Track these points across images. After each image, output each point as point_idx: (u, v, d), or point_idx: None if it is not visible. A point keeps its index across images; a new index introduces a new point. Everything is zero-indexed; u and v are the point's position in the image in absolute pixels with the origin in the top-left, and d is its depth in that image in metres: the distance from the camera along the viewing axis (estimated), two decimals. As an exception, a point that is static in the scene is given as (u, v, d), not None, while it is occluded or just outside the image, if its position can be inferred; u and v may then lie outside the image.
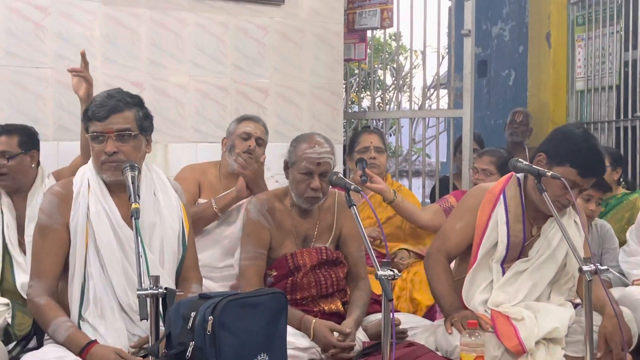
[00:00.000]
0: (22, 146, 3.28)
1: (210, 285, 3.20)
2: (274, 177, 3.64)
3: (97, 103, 2.51)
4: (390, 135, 8.30)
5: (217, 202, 3.33)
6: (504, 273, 2.85)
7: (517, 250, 2.87)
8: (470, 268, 2.87)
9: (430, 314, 3.43)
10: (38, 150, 3.38)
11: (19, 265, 3.18)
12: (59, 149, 3.74)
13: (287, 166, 3.00)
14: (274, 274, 2.94)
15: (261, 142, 3.51)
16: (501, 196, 2.88)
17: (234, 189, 3.35)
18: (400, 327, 2.88)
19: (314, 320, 2.77)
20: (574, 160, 2.74)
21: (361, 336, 2.86)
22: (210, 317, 2.16)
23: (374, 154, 3.84)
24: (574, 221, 2.90)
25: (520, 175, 2.92)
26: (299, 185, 2.93)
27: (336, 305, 2.94)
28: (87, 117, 2.52)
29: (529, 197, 2.87)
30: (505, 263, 2.86)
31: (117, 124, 2.49)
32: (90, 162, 2.59)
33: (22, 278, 3.11)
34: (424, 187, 5.21)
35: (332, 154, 2.95)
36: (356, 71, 5.60)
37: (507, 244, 2.84)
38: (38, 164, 3.37)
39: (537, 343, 2.68)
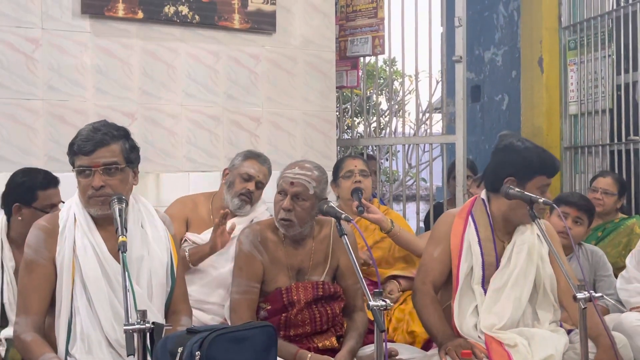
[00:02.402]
0: None
1: (203, 317, 3.16)
2: (269, 211, 3.60)
3: (83, 137, 2.48)
4: (386, 160, 8.31)
5: (192, 255, 3.29)
6: (486, 293, 2.87)
7: (493, 269, 2.90)
8: (454, 293, 2.88)
9: (427, 347, 3.39)
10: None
11: (10, 323, 3.10)
12: (49, 180, 3.70)
13: None
14: (268, 307, 2.89)
15: (260, 186, 3.49)
16: (469, 218, 2.95)
17: (207, 244, 3.31)
18: (397, 357, 2.85)
19: (309, 355, 2.73)
20: (541, 169, 2.87)
21: (354, 368, 2.83)
22: (198, 353, 2.13)
23: (358, 177, 3.81)
24: (537, 234, 2.93)
25: (484, 195, 2.99)
26: (275, 206, 2.90)
27: (330, 341, 2.89)
28: (73, 151, 2.49)
29: (495, 216, 2.94)
30: (486, 284, 2.88)
31: (104, 158, 2.46)
32: (76, 195, 2.56)
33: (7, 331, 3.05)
34: (418, 212, 5.19)
35: (313, 179, 2.88)
36: (351, 97, 5.60)
37: (482, 263, 2.88)
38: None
39: (532, 371, 2.67)
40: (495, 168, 2.96)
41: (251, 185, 3.42)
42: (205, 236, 3.39)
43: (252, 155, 3.52)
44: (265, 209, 3.60)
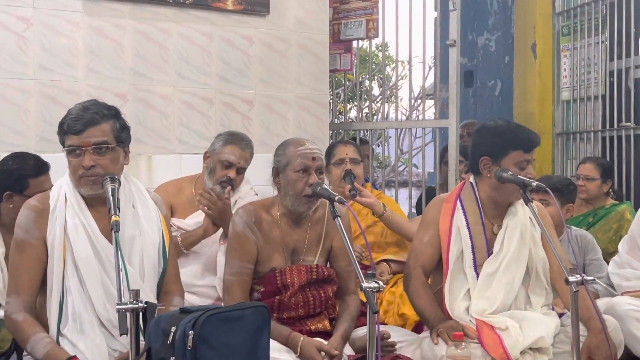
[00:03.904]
0: None
1: (193, 300, 3.15)
2: (254, 190, 3.60)
3: (73, 116, 2.45)
4: (377, 145, 8.30)
5: (183, 239, 3.29)
6: (478, 277, 2.88)
7: (484, 252, 2.91)
8: (445, 278, 2.90)
9: (418, 329, 3.40)
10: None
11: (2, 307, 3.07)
12: (41, 161, 3.68)
13: (277, 173, 2.89)
14: (261, 289, 2.86)
15: (241, 171, 3.45)
16: (458, 202, 2.97)
17: (200, 227, 3.30)
18: (389, 339, 2.85)
19: (301, 339, 2.71)
20: (513, 144, 2.86)
21: (347, 350, 2.82)
22: (191, 332, 2.12)
23: (349, 165, 3.81)
24: (530, 218, 2.93)
25: (473, 179, 3.01)
26: (296, 184, 2.81)
27: (323, 324, 2.88)
28: (63, 130, 2.47)
29: (482, 199, 2.96)
30: (478, 267, 2.89)
31: (94, 137, 2.44)
32: (66, 175, 2.54)
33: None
34: (410, 197, 5.20)
35: (322, 153, 2.90)
36: (343, 82, 5.59)
37: (472, 247, 2.89)
38: None
39: (523, 353, 2.70)
40: (472, 150, 2.99)
41: (232, 173, 3.38)
42: (190, 221, 3.39)
43: (233, 140, 3.44)
44: (250, 188, 3.58)
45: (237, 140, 3.46)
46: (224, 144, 3.43)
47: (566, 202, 3.76)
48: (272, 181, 2.94)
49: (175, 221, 3.37)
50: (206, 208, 3.25)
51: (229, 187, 3.33)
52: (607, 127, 5.40)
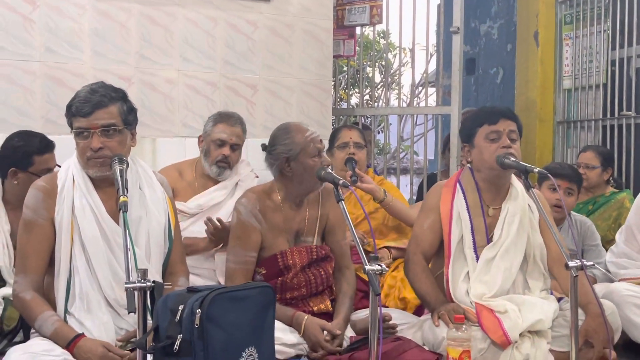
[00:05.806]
0: None
1: (197, 282, 3.19)
2: (254, 172, 3.62)
3: (81, 99, 2.48)
4: (379, 132, 8.32)
5: (186, 246, 3.24)
6: (477, 259, 2.91)
7: (483, 234, 2.95)
8: (447, 261, 2.93)
9: (418, 313, 3.44)
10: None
11: (7, 284, 3.09)
12: (46, 142, 3.70)
13: (288, 162, 2.88)
14: (263, 272, 2.90)
15: (236, 147, 3.47)
16: (458, 185, 3.01)
17: (204, 239, 3.31)
18: (391, 322, 2.89)
19: (306, 317, 2.76)
20: (477, 121, 2.94)
21: (348, 332, 2.86)
22: (198, 311, 2.16)
23: (352, 149, 3.85)
24: (528, 205, 2.97)
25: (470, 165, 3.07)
26: (313, 170, 2.86)
27: (325, 304, 2.92)
28: (71, 112, 2.49)
29: (479, 182, 2.99)
30: (478, 249, 2.93)
31: (102, 120, 2.47)
32: (74, 156, 2.57)
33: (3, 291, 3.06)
34: (411, 184, 5.23)
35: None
36: (345, 68, 5.59)
37: (471, 228, 2.93)
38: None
39: (522, 336, 2.74)
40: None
41: (226, 150, 3.42)
42: (191, 204, 3.42)
43: (221, 119, 3.48)
44: (250, 170, 3.61)
45: (226, 117, 3.50)
46: (214, 124, 3.49)
47: (579, 191, 3.82)
48: (273, 168, 2.94)
49: (176, 204, 3.40)
50: (211, 235, 3.29)
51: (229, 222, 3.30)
52: (608, 115, 5.42)
